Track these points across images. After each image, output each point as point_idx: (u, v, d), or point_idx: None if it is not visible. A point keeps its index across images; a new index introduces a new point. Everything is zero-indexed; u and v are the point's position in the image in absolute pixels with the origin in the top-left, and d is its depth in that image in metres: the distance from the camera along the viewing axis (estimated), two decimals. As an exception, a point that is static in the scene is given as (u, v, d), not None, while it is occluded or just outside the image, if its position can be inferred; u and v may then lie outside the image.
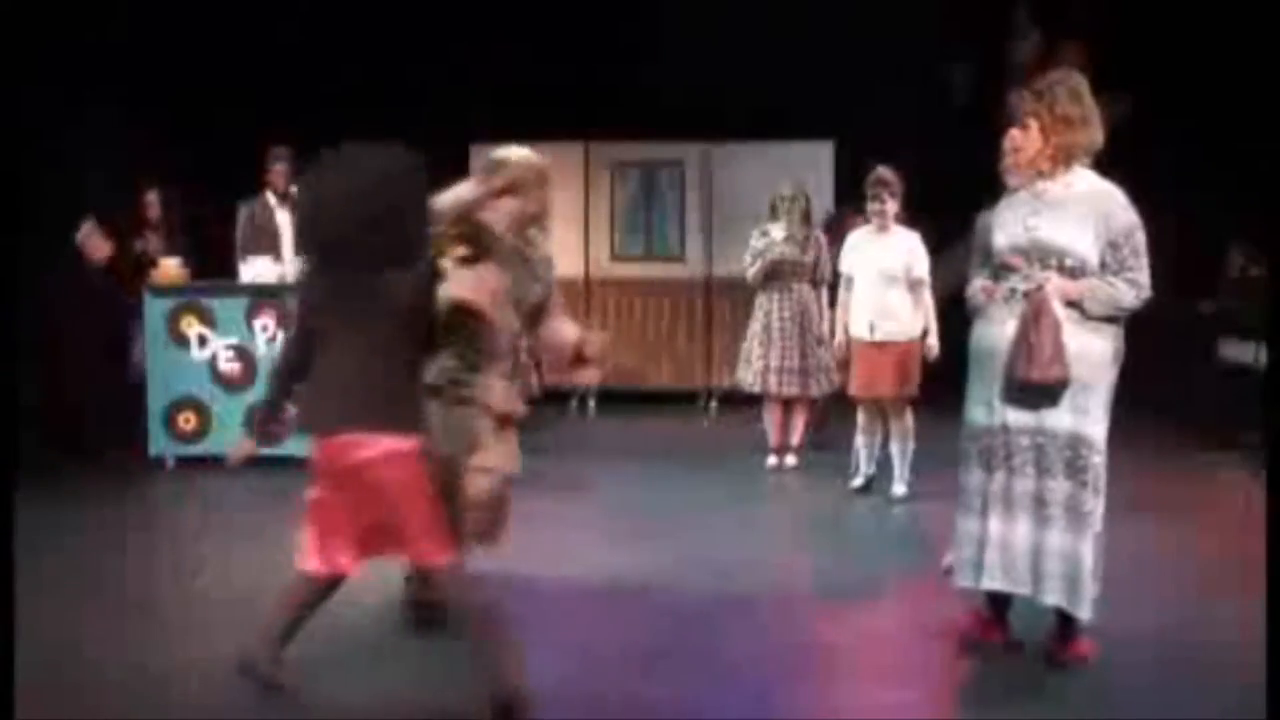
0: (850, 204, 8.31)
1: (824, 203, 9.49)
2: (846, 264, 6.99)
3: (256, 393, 7.72)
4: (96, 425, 8.07)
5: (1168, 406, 8.44)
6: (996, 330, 4.12)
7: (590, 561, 5.57)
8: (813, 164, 9.93)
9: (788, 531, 6.63)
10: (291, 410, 3.76)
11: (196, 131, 9.27)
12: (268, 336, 7.75)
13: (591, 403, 10.44)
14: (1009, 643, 4.33)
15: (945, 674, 4.27)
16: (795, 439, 7.80)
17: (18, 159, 6.60)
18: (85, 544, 6.04)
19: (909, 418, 6.87)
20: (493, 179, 4.30)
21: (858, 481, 7.03)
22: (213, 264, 8.48)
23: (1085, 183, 4.10)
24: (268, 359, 7.71)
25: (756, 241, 7.65)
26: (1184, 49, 9.43)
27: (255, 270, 7.92)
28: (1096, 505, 4.06)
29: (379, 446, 3.48)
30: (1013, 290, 4.10)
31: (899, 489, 6.86)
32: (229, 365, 7.77)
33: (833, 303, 7.27)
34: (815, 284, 7.69)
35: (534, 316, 4.42)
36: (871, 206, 6.87)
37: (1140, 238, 4.05)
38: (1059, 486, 4.03)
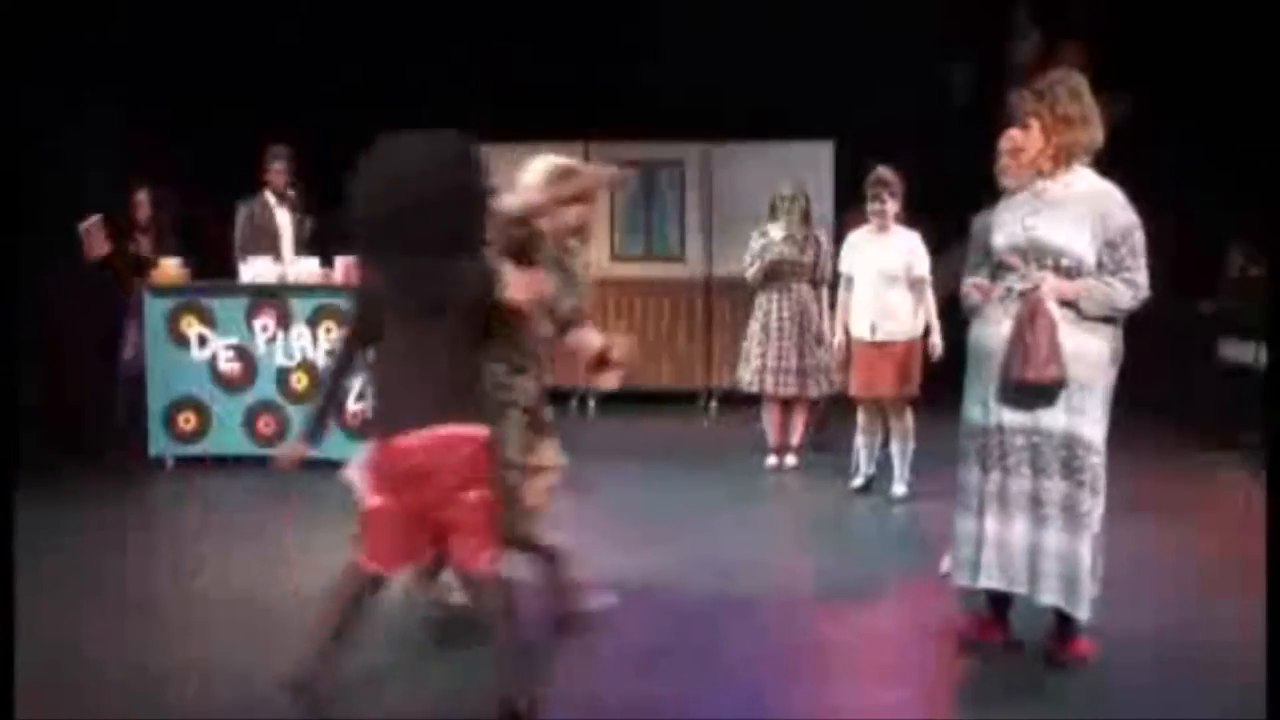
0: (855, 205, 8.30)
1: (824, 203, 9.49)
2: (846, 264, 6.99)
3: (256, 393, 7.74)
4: (96, 425, 8.08)
5: (1167, 406, 8.43)
6: (993, 330, 4.12)
7: (590, 562, 5.53)
8: (813, 164, 9.92)
9: (788, 531, 6.63)
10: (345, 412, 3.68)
11: (196, 131, 9.26)
12: (267, 336, 7.74)
13: (591, 403, 10.43)
14: (1009, 642, 4.33)
15: (945, 673, 4.27)
16: (795, 439, 7.79)
17: (18, 159, 6.60)
18: (85, 544, 6.04)
19: (909, 418, 6.87)
20: (561, 186, 4.29)
21: (858, 481, 7.03)
22: (212, 264, 8.46)
23: (1085, 182, 4.10)
24: (267, 359, 7.72)
25: (755, 242, 7.66)
26: (1184, 49, 9.42)
27: (255, 270, 7.91)
28: (1094, 505, 4.06)
29: (446, 431, 3.39)
30: (1009, 290, 4.10)
31: (899, 489, 6.86)
32: (229, 365, 7.76)
33: (833, 303, 7.27)
34: (815, 284, 7.69)
35: (564, 326, 4.42)
36: (871, 206, 6.87)
37: (1139, 238, 4.05)
38: (1055, 487, 4.03)
